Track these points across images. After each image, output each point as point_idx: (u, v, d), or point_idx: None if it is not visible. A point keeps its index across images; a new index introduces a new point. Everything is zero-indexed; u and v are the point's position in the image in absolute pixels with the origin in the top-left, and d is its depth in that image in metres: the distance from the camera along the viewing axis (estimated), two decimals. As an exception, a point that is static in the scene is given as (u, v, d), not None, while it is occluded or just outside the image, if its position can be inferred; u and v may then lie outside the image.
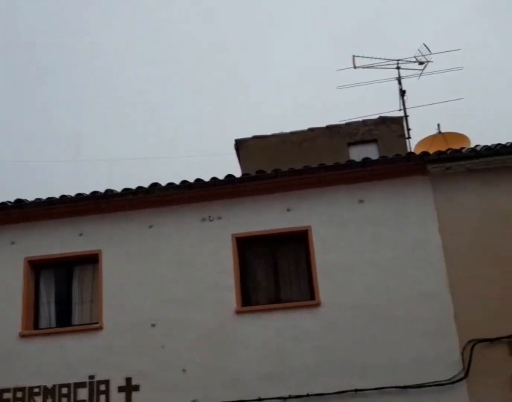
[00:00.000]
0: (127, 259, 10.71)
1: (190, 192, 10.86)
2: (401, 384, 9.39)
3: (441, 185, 10.46)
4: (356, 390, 9.44)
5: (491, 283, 9.77)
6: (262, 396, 9.61)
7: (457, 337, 9.56)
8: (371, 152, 13.33)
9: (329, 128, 14.53)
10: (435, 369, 9.42)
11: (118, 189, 11.05)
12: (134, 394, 9.95)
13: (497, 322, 9.55)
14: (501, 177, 10.33)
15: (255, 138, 14.61)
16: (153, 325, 10.27)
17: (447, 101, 14.56)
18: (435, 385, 9.32)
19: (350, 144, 14.31)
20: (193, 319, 10.19)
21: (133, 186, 10.92)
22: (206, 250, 10.61)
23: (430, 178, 10.50)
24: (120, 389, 10.03)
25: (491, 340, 9.47)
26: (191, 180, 10.84)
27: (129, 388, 9.99)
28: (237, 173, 13.51)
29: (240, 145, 14.57)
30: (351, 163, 10.92)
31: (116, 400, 9.98)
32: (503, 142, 10.54)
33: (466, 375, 9.36)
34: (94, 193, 11.03)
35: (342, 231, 10.44)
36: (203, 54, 34.65)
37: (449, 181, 10.46)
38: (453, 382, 9.32)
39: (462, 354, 9.47)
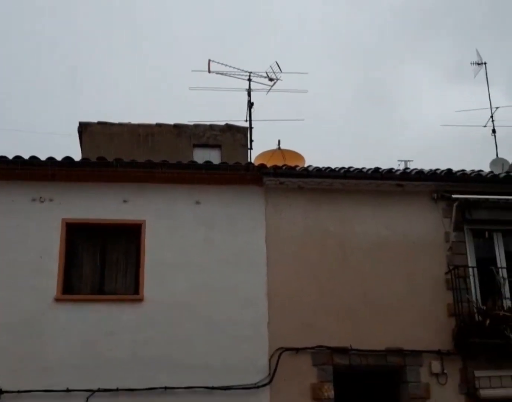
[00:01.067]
0: None
1: (22, 169, 10.40)
2: (210, 385, 9.70)
3: (273, 198, 10.99)
4: (165, 388, 9.60)
5: (305, 296, 10.43)
6: (70, 387, 9.45)
7: (267, 344, 10.07)
8: (214, 156, 13.63)
9: (177, 126, 14.62)
10: (243, 373, 9.83)
11: None
12: None
13: (305, 333, 10.20)
14: (327, 198, 11.08)
15: (100, 123, 14.30)
16: (-38, 307, 9.70)
17: (289, 120, 15.33)
18: (241, 389, 9.74)
19: (195, 145, 14.49)
20: (8, 303, 9.80)
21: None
22: (32, 232, 10.24)
23: (265, 190, 11.00)
24: None
25: (297, 350, 10.10)
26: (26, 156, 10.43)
27: None
28: (79, 156, 13.15)
29: (84, 129, 14.18)
30: (193, 164, 11.12)
31: None
32: (334, 165, 11.28)
33: (271, 381, 9.89)
34: None
35: (176, 230, 10.59)
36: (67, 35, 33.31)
37: (281, 195, 11.02)
38: (258, 387, 9.80)
39: (270, 360, 10.00)
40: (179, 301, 10.13)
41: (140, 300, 10.09)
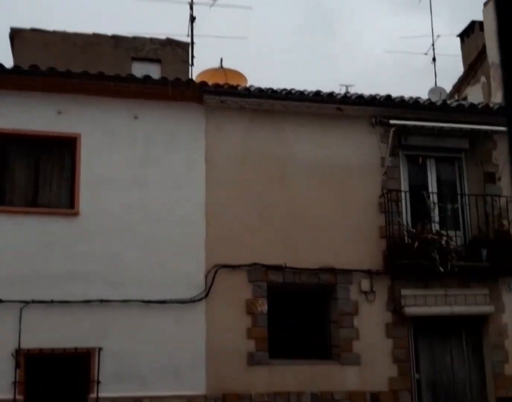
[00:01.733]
0: None
1: (-51, 75, 9.84)
2: (146, 299, 9.80)
3: (214, 117, 10.85)
4: (101, 301, 9.63)
5: (241, 215, 10.52)
6: (4, 298, 9.35)
7: (204, 261, 10.19)
8: (153, 71, 13.27)
9: (115, 38, 14.08)
10: (180, 288, 9.96)
11: None
12: None
13: (242, 251, 10.36)
14: (268, 119, 11.03)
15: (34, 30, 13.58)
16: None
17: (232, 37, 15.05)
18: (177, 303, 9.89)
19: (134, 59, 14.05)
20: None
21: None
22: (-39, 142, 9.80)
23: (205, 108, 10.82)
24: None
25: (233, 267, 10.29)
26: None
27: None
28: (10, 64, 12.51)
29: (16, 35, 13.44)
30: (132, 78, 10.80)
31: None
32: (276, 87, 11.19)
33: (207, 295, 10.08)
34: None
35: (113, 144, 10.36)
36: None
37: (222, 114, 10.89)
38: (193, 301, 9.98)
39: (206, 276, 10.15)
40: (116, 217, 10.03)
41: (76, 214, 9.93)
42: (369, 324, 10.65)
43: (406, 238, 10.99)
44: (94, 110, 10.36)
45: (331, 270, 10.70)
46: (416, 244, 10.66)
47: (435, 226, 11.22)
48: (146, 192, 10.25)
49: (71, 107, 10.28)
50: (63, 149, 10.38)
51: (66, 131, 10.23)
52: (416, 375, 10.83)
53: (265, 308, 10.29)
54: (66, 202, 10.19)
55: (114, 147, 10.33)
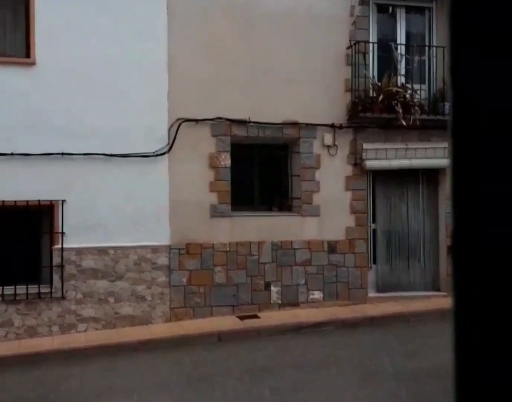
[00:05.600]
0: None
1: None
2: (109, 152, 9.77)
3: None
4: (63, 154, 9.56)
5: (206, 66, 10.26)
6: (-38, 151, 9.23)
7: (167, 115, 10.07)
8: None
9: None
10: (142, 141, 9.91)
11: None
12: None
13: (205, 104, 10.23)
14: (233, -36, 10.41)
15: None
16: None
17: None
18: (140, 156, 9.91)
19: None
20: None
21: None
22: None
23: (167, -47, 10.12)
24: None
25: (196, 120, 10.21)
26: None
27: None
28: None
29: None
30: None
31: None
32: None
33: (170, 150, 10.09)
34: None
35: (70, -10, 9.74)
36: None
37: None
38: (156, 155, 10.00)
39: (169, 130, 10.09)
40: (74, 67, 9.66)
41: (32, 64, 9.55)
42: (330, 177, 10.89)
43: (371, 91, 10.92)
44: (48, -51, 9.60)
45: (295, 125, 10.71)
46: (380, 98, 10.62)
47: (401, 79, 11.13)
48: (105, 43, 9.83)
49: None
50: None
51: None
52: (372, 225, 11.33)
53: (228, 162, 10.39)
54: (21, 51, 9.75)
55: (71, -8, 9.73)
